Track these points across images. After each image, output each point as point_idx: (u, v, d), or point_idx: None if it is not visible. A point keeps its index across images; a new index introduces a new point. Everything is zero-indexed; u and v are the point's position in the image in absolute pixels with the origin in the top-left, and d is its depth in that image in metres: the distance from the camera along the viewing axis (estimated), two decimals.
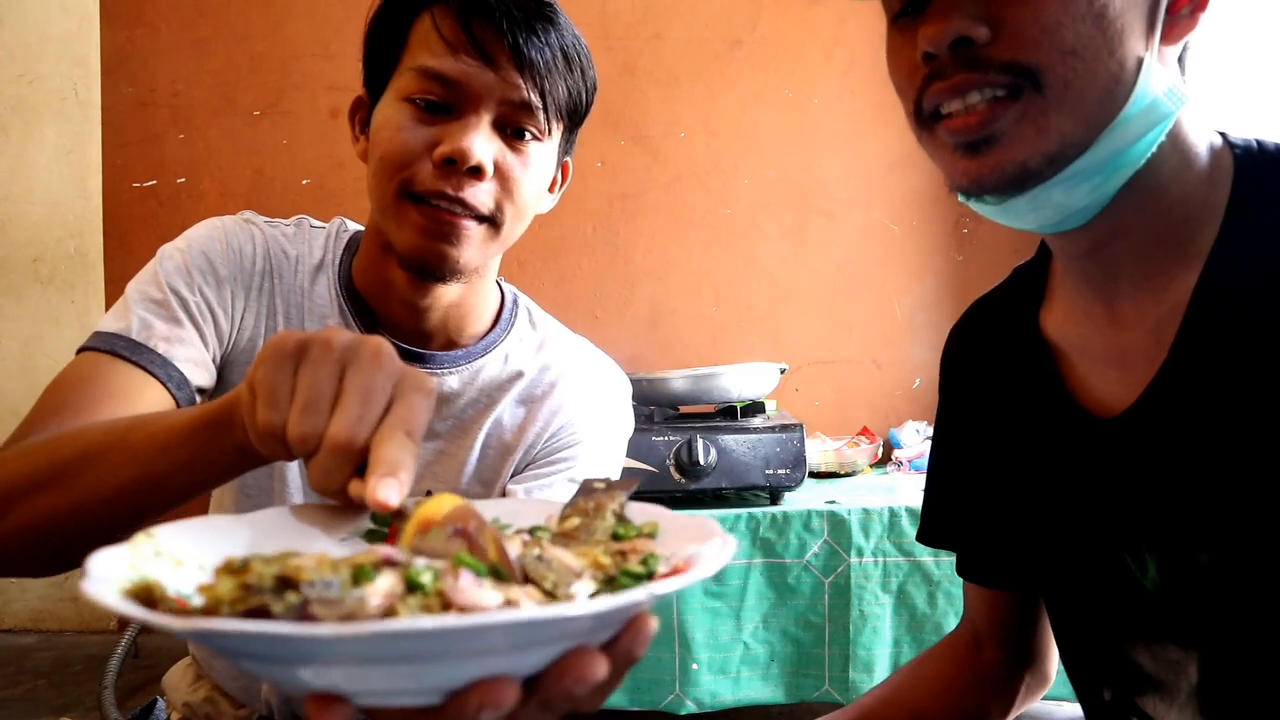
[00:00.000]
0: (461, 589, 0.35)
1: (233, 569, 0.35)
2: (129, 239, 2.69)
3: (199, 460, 0.59)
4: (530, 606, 0.36)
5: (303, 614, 0.33)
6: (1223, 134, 0.66)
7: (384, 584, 0.35)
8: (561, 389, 0.93)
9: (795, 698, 1.76)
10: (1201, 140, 0.64)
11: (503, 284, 0.98)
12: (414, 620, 0.33)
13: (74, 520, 0.64)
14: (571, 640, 0.35)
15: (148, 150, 2.69)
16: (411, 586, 0.35)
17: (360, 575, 0.35)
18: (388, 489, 0.43)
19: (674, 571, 0.41)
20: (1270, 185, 0.62)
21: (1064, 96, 0.57)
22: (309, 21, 2.66)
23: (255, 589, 0.33)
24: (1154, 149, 0.61)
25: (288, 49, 2.67)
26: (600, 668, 0.35)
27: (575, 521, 0.46)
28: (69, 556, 0.67)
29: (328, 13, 2.65)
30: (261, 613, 0.33)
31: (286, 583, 0.34)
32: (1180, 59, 0.64)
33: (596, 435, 0.93)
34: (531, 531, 0.46)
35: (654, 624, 0.38)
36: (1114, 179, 0.61)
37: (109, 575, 0.37)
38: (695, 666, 1.73)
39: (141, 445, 0.62)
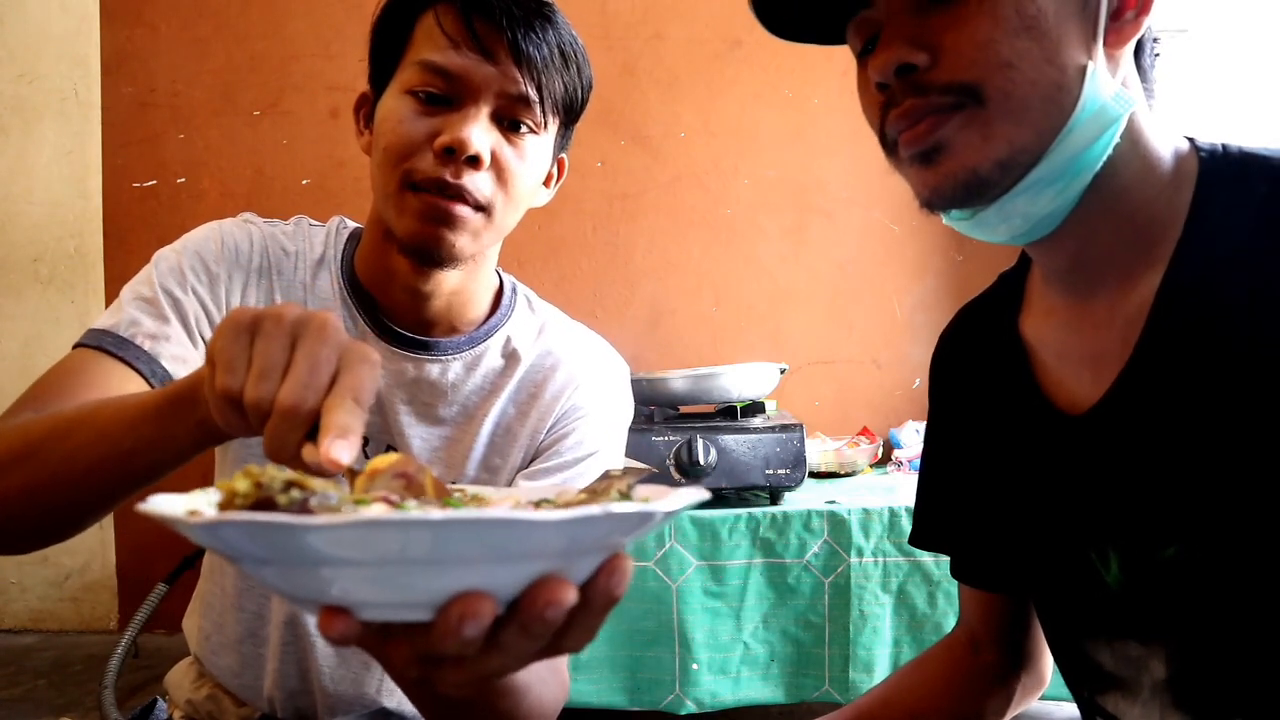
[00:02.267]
0: None
1: (251, 474, 0.39)
2: (129, 239, 2.69)
3: (164, 436, 0.61)
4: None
5: (303, 510, 0.36)
6: (1190, 139, 0.67)
7: (377, 510, 0.38)
8: (562, 373, 0.95)
9: (795, 698, 1.76)
10: (1165, 145, 0.66)
11: (501, 273, 1.00)
12: (390, 513, 0.36)
13: (47, 496, 0.66)
14: (544, 561, 0.38)
15: (148, 150, 2.70)
16: None
17: (359, 503, 0.40)
18: (339, 449, 0.45)
19: None
20: (1232, 187, 0.64)
21: (1006, 106, 0.59)
22: (309, 21, 2.67)
23: (266, 487, 0.38)
24: (1110, 151, 0.62)
25: (288, 49, 2.67)
26: (569, 593, 0.38)
27: (582, 497, 0.48)
28: (45, 532, 0.70)
29: (328, 13, 2.66)
30: (268, 505, 0.37)
31: (295, 487, 0.38)
32: (1140, 61, 0.66)
33: (599, 417, 0.95)
34: (538, 504, 0.49)
35: (629, 564, 0.41)
36: (1075, 184, 0.62)
37: (166, 503, 0.40)
38: (695, 666, 1.73)
39: (110, 422, 0.64)
